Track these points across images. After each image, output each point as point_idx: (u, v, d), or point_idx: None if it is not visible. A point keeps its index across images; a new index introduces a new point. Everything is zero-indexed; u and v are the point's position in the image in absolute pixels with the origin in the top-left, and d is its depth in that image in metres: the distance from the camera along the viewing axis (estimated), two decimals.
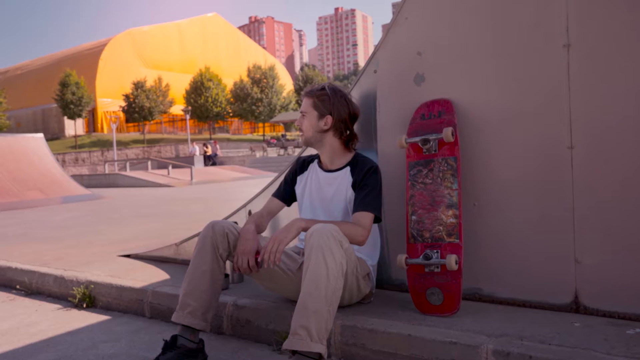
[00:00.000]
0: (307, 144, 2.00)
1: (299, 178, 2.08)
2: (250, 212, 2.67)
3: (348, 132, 1.97)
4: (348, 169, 1.96)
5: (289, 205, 2.10)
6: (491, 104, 1.87)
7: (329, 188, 1.98)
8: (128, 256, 3.29)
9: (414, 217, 1.88)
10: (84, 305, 2.59)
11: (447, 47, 1.95)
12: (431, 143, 1.86)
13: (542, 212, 1.79)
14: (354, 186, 1.91)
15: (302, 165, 2.10)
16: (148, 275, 2.70)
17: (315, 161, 2.07)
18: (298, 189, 2.06)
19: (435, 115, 1.93)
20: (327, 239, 1.58)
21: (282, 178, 2.17)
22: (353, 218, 1.84)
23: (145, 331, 2.19)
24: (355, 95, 2.22)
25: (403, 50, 2.06)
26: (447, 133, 1.80)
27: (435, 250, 1.80)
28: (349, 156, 1.99)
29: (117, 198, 9.67)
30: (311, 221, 1.74)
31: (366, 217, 1.82)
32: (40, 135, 10.99)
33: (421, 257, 1.79)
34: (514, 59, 1.82)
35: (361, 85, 2.20)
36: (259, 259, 1.75)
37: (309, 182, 2.04)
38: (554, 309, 1.78)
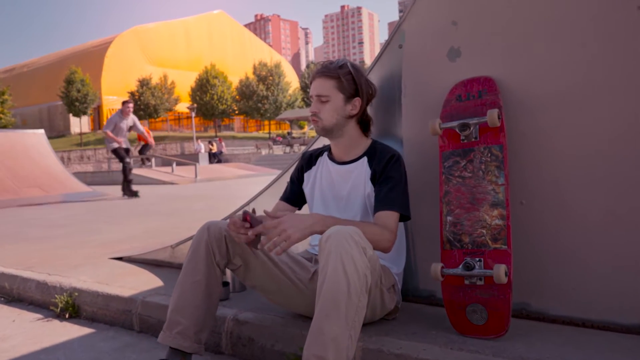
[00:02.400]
0: (326, 132, 1.66)
1: (306, 175, 1.77)
2: (254, 211, 2.36)
3: (365, 115, 1.68)
4: (365, 159, 1.65)
5: (299, 207, 1.80)
6: (545, 83, 1.54)
7: (343, 183, 1.67)
8: (120, 259, 3.00)
9: (449, 218, 1.56)
10: (67, 316, 2.29)
11: (489, 15, 1.63)
12: (471, 129, 1.54)
13: (608, 212, 1.46)
14: (373, 179, 1.60)
15: (309, 160, 1.79)
16: (139, 282, 2.40)
17: (325, 153, 1.76)
18: (307, 187, 1.76)
19: (474, 96, 1.61)
20: (348, 245, 1.27)
21: (288, 176, 1.86)
22: (375, 218, 1.53)
23: (132, 349, 1.89)
24: (376, 74, 1.90)
25: (435, 20, 1.74)
26: (492, 116, 1.48)
27: (477, 259, 1.48)
28: (365, 144, 1.68)
29: (119, 196, 9.39)
30: (329, 219, 1.42)
31: (391, 217, 1.51)
32: (41, 131, 10.73)
33: (461, 266, 1.48)
34: (576, 25, 1.49)
35: (383, 63, 1.89)
36: (260, 246, 1.40)
37: (318, 178, 1.74)
38: (622, 331, 1.46)
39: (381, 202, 1.54)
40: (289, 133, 32.98)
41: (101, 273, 2.65)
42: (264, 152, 28.11)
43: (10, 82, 40.08)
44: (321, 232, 1.38)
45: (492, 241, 1.47)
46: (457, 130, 1.56)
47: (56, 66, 44.13)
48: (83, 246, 3.62)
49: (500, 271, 1.38)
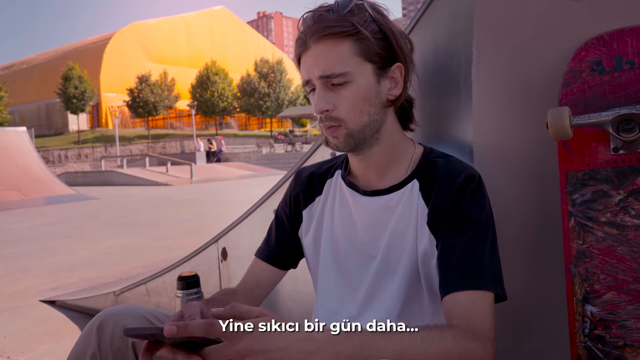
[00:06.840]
0: (355, 144, 0.82)
1: (305, 213, 0.95)
2: (224, 251, 1.57)
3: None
4: (415, 184, 0.84)
5: (294, 267, 0.99)
6: None
7: (376, 229, 0.86)
8: (53, 303, 2.22)
9: (590, 309, 0.77)
10: None
11: None
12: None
13: None
14: (435, 224, 0.79)
15: (308, 184, 0.96)
16: (56, 353, 1.62)
17: (338, 173, 0.94)
18: (306, 236, 0.95)
19: (632, 62, 0.81)
20: None
21: (276, 203, 1.07)
22: (448, 310, 0.73)
23: None
24: (422, 34, 1.11)
25: None
26: None
27: None
28: (410, 154, 0.88)
29: (104, 199, 8.63)
30: (350, 340, 0.62)
31: (481, 303, 0.71)
32: (23, 128, 10.03)
33: None
34: None
35: (437, 12, 1.09)
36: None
37: (328, 220, 0.91)
38: None
39: (457, 273, 0.73)
40: (290, 131, 32.25)
41: (14, 331, 1.88)
42: (264, 150, 27.35)
43: (8, 79, 39.43)
44: None
45: None
46: (610, 131, 0.77)
47: (55, 63, 43.41)
48: (23, 275, 2.85)
49: None
